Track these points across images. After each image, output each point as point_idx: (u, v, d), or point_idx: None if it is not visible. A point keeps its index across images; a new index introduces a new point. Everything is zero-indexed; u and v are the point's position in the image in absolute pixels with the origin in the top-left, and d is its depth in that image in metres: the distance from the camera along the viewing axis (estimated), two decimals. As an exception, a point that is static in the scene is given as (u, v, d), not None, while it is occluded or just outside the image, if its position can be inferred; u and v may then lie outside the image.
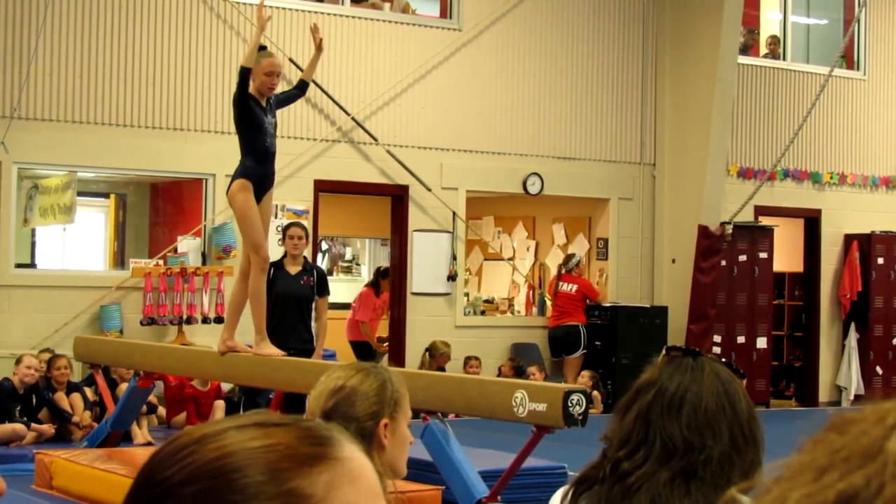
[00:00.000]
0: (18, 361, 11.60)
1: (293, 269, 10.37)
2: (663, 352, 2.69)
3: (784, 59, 17.26)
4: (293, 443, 1.09)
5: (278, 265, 10.25)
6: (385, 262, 16.30)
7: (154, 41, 13.26)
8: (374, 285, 15.32)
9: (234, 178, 8.42)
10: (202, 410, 12.39)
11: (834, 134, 17.53)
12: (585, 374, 14.68)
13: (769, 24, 17.78)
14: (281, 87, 8.96)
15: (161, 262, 13.28)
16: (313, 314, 10.37)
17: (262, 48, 8.51)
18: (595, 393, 14.40)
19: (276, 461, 1.06)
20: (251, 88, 8.27)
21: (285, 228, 10.94)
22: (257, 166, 8.35)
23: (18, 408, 11.52)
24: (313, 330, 10.32)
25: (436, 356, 14.35)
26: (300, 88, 8.83)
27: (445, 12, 15.22)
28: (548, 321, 15.69)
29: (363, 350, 14.60)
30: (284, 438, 1.09)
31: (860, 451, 0.91)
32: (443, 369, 13.89)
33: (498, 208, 17.21)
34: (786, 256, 17.35)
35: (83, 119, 12.91)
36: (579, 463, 2.80)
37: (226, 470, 1.06)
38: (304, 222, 12.45)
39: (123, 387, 11.29)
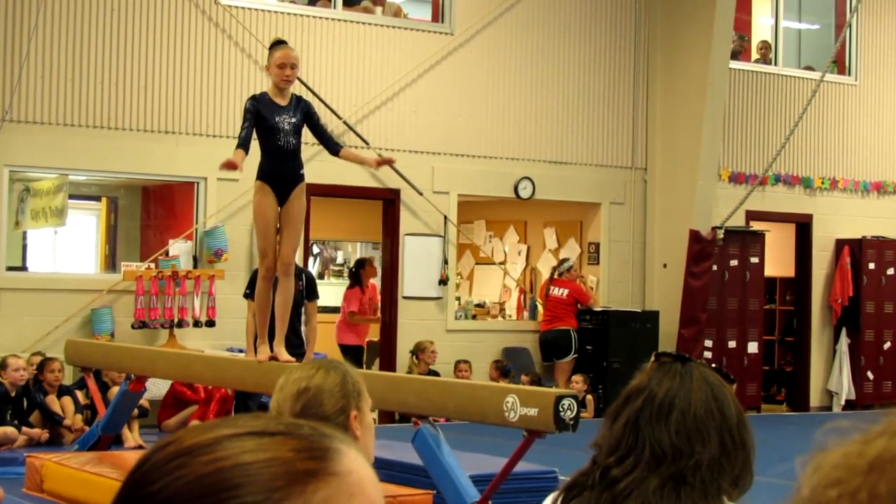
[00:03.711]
0: (4, 365, 11.57)
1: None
2: (652, 358, 2.69)
3: (775, 64, 17.27)
4: (290, 457, 1.03)
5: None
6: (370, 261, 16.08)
7: (145, 44, 13.25)
8: (357, 282, 15.03)
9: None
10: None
11: (825, 139, 17.55)
12: (579, 378, 14.63)
13: (761, 29, 17.79)
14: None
15: (152, 265, 13.25)
16: (303, 318, 10.35)
17: (279, 42, 8.27)
18: (589, 397, 14.40)
19: (270, 479, 1.01)
20: (269, 86, 8.09)
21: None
22: (271, 165, 7.99)
23: (10, 411, 11.51)
24: (303, 334, 10.30)
25: (420, 355, 14.23)
26: (332, 148, 8.31)
27: (437, 16, 15.21)
28: (539, 325, 15.68)
29: (353, 354, 14.55)
30: (281, 451, 1.03)
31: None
32: (435, 372, 13.83)
33: (489, 212, 17.20)
34: (777, 261, 17.36)
35: (75, 122, 12.89)
36: (570, 467, 2.80)
37: (217, 489, 1.00)
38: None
39: (115, 390, 11.27)
